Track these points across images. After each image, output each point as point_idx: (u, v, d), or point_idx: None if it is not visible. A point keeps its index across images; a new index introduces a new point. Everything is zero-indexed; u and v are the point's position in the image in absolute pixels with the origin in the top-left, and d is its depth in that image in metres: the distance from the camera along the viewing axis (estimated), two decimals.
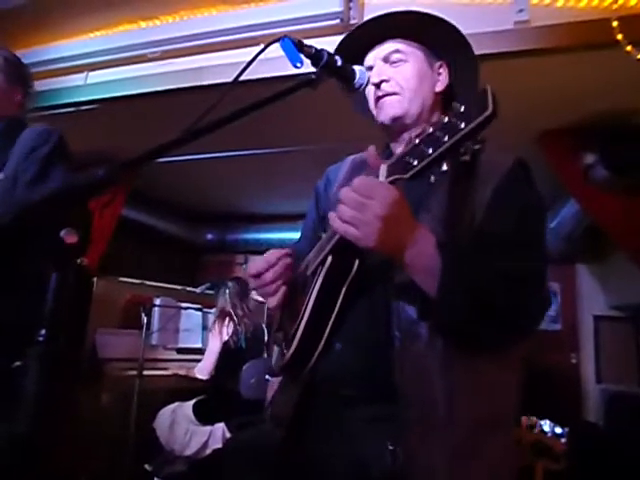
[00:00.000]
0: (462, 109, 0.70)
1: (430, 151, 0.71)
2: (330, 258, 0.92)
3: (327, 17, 2.12)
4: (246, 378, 3.02)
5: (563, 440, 1.67)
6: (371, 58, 1.12)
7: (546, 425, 1.68)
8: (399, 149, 1.07)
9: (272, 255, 1.03)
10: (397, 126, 1.09)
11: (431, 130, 0.72)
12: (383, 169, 0.79)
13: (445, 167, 0.71)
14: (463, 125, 0.68)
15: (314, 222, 1.25)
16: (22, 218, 1.26)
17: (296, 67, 0.90)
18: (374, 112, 1.11)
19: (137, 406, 3.04)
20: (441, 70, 1.12)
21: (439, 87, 1.12)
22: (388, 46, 1.09)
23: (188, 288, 4.15)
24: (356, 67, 1.02)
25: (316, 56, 0.94)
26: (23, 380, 0.69)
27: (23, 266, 1.33)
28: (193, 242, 5.12)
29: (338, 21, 2.17)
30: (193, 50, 2.48)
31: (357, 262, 0.91)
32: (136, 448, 3.05)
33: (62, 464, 2.94)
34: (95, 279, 3.31)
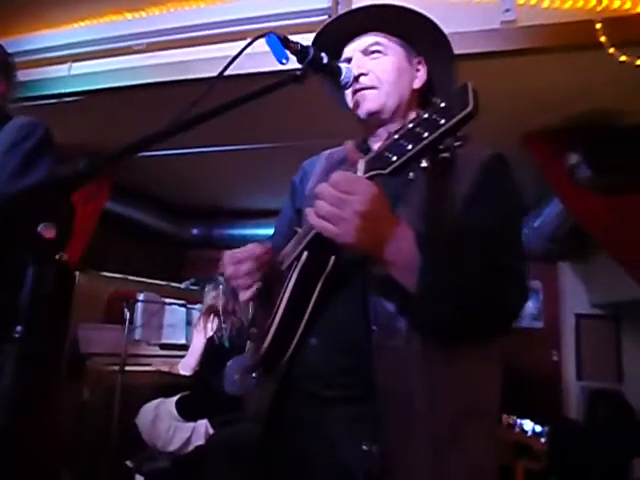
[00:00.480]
0: (442, 105, 0.69)
1: (410, 147, 0.70)
2: (306, 253, 0.91)
3: (315, 13, 2.11)
4: (230, 374, 2.99)
5: (543, 440, 1.69)
6: (350, 50, 1.10)
7: (526, 424, 1.71)
8: (376, 144, 1.07)
9: (254, 248, 1.01)
10: (374, 120, 1.09)
11: (411, 125, 0.71)
12: (361, 164, 0.78)
13: (425, 163, 0.71)
14: (443, 121, 0.68)
15: (289, 217, 1.23)
16: (1, 210, 1.24)
17: (281, 63, 0.90)
18: (351, 105, 1.10)
19: (119, 402, 3.01)
20: (420, 67, 1.12)
21: (417, 84, 1.11)
22: (368, 39, 1.08)
23: (172, 284, 4.12)
24: (342, 64, 1.01)
25: (302, 52, 0.93)
26: None
27: (1, 260, 1.30)
28: (178, 237, 5.08)
29: (326, 17, 2.16)
30: (179, 43, 2.45)
31: (333, 258, 0.90)
32: (118, 444, 3.02)
33: (43, 459, 2.91)
34: (77, 273, 3.27)
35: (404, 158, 0.71)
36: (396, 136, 0.73)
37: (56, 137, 1.60)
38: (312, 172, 1.20)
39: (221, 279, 3.32)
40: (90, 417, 3.18)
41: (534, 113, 2.60)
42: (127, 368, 3.06)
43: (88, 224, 3.20)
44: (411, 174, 0.73)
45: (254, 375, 1.08)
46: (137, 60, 2.55)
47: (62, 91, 2.75)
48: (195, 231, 5.07)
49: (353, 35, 1.10)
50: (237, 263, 0.99)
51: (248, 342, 1.07)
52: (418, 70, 1.11)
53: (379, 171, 0.75)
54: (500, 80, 2.26)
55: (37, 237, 0.54)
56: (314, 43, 1.11)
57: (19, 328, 0.56)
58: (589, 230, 2.74)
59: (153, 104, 2.50)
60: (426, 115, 0.70)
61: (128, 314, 3.08)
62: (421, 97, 1.13)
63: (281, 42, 0.90)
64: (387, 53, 1.08)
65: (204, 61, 2.34)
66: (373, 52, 1.08)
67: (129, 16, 2.64)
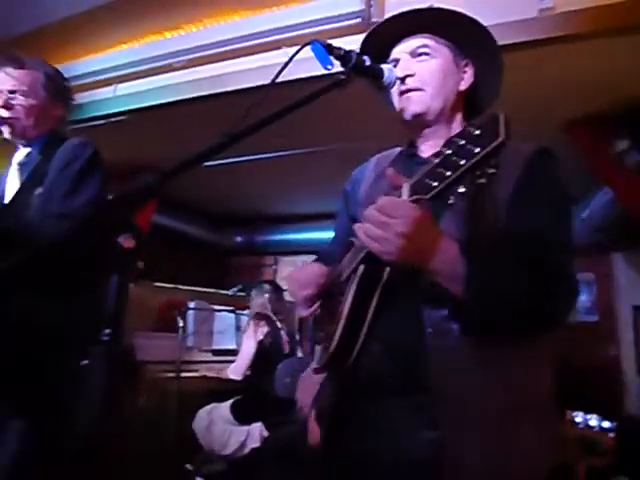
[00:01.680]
0: (477, 132, 0.74)
1: (448, 174, 0.76)
2: (362, 266, 0.97)
3: (348, 17, 2.13)
4: (281, 377, 3.06)
5: (611, 435, 1.63)
6: (397, 52, 1.12)
7: (592, 420, 1.65)
8: (422, 145, 1.13)
9: (317, 278, 1.08)
10: (419, 122, 1.10)
11: (449, 152, 0.76)
12: (406, 188, 0.84)
13: (462, 189, 0.76)
14: (477, 150, 0.73)
15: (345, 224, 1.27)
16: (66, 229, 1.32)
17: (327, 69, 0.92)
18: (397, 106, 1.12)
19: (176, 407, 3.11)
20: (466, 69, 1.12)
21: (463, 86, 1.12)
22: (416, 41, 1.10)
23: (220, 291, 4.22)
24: (384, 66, 1.03)
25: (345, 57, 0.96)
26: (90, 378, 0.73)
27: (80, 271, 1.39)
28: (222, 245, 5.20)
29: (359, 20, 2.18)
30: (217, 57, 2.53)
31: (387, 270, 0.96)
32: (176, 448, 3.12)
33: (110, 462, 3.03)
34: (131, 285, 3.41)
35: (442, 185, 0.77)
36: (436, 161, 0.78)
37: (106, 156, 1.68)
38: (362, 178, 1.24)
39: (266, 286, 3.39)
40: (147, 423, 3.29)
41: (576, 101, 2.53)
42: (182, 375, 3.16)
43: (142, 235, 3.32)
44: (451, 198, 0.78)
45: (320, 377, 1.15)
46: (178, 77, 2.65)
47: (108, 112, 2.89)
48: (238, 238, 5.18)
49: (401, 37, 1.11)
50: (300, 288, 1.08)
51: (317, 346, 1.13)
52: (465, 72, 1.12)
53: (421, 196, 0.81)
54: (540, 69, 2.21)
55: (118, 247, 0.58)
56: (363, 45, 1.14)
57: (107, 331, 0.60)
58: None
59: (195, 118, 2.59)
60: (462, 142, 0.75)
61: (181, 322, 3.18)
62: (467, 99, 1.14)
63: (325, 49, 0.93)
64: (434, 55, 1.09)
65: (242, 73, 2.40)
66: (420, 54, 1.09)
67: (168, 35, 2.74)
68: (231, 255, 5.43)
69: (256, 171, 3.96)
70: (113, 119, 2.91)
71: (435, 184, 0.78)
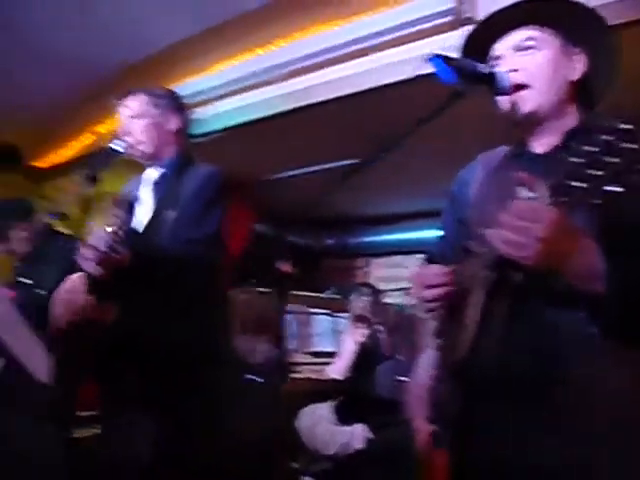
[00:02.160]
0: (627, 127, 0.68)
1: (597, 173, 0.71)
2: (491, 272, 0.95)
3: (440, 15, 2.10)
4: (382, 379, 3.08)
5: None
6: (500, 47, 1.07)
7: None
8: (535, 142, 1.08)
9: (445, 278, 1.06)
10: (530, 121, 1.06)
11: (596, 150, 0.71)
12: (543, 189, 0.79)
13: (615, 188, 0.70)
14: (635, 146, 0.68)
15: (452, 226, 1.26)
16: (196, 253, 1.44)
17: (448, 82, 0.92)
18: (504, 106, 1.08)
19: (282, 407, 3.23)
20: (577, 57, 1.06)
21: (574, 76, 1.05)
22: (519, 33, 1.05)
23: (315, 294, 4.32)
24: (497, 70, 1.01)
25: (461, 66, 0.95)
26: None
27: (208, 289, 1.51)
28: (313, 248, 5.31)
29: (451, 17, 2.14)
30: (309, 69, 2.60)
31: (519, 275, 0.93)
32: (282, 447, 3.24)
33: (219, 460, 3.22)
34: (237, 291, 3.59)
35: (590, 186, 0.72)
36: (579, 160, 0.72)
37: None
38: (471, 179, 1.21)
39: (365, 289, 3.44)
40: (253, 423, 3.45)
41: None
42: None
43: (241, 245, 3.51)
44: (596, 198, 0.73)
45: (409, 381, 1.16)
46: (273, 91, 2.75)
47: (208, 130, 3.07)
48: (330, 241, 5.25)
49: (503, 33, 1.07)
50: (426, 288, 1.07)
51: (439, 350, 1.13)
52: (575, 62, 1.06)
53: (561, 198, 0.77)
54: None
55: (276, 271, 0.63)
56: (465, 46, 1.12)
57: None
58: None
59: (292, 130, 2.67)
60: (605, 137, 0.69)
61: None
62: (580, 89, 1.08)
63: (444, 61, 0.92)
64: (541, 47, 1.04)
65: (335, 82, 2.45)
66: (526, 48, 1.04)
67: (260, 52, 2.86)
68: (323, 258, 5.53)
69: (344, 172, 4.01)
70: (211, 136, 3.09)
71: (583, 185, 0.72)
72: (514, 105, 1.05)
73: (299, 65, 2.60)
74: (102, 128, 3.97)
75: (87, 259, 1.31)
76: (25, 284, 2.22)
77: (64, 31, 2.79)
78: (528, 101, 1.03)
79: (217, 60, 3.04)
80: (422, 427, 1.89)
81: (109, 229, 1.27)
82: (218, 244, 1.57)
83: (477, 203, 1.14)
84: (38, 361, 0.89)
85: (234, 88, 2.90)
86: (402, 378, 2.86)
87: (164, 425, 1.42)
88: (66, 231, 2.46)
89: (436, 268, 1.08)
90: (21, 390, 2.03)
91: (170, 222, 1.51)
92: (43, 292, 2.23)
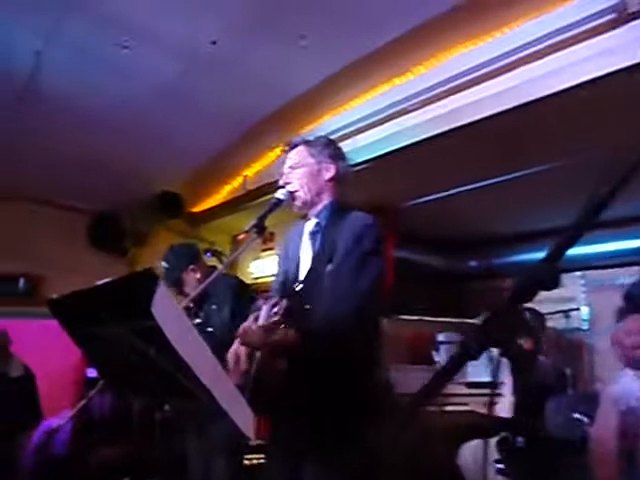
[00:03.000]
0: None
1: None
2: None
3: (604, 12, 1.90)
4: (552, 416, 2.79)
5: None
6: None
7: None
8: None
9: None
10: None
11: None
12: None
13: None
14: None
15: None
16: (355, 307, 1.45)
17: None
18: None
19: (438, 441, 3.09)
20: None
21: None
22: None
23: (465, 320, 4.12)
24: None
25: None
26: None
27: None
28: (455, 272, 5.10)
29: (614, 15, 1.93)
30: (450, 92, 2.53)
31: None
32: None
33: None
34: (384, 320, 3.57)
35: None
36: None
37: (352, 200, 1.74)
38: None
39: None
40: (410, 455, 3.34)
41: None
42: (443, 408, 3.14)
43: (389, 274, 3.48)
44: None
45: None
46: (412, 119, 2.73)
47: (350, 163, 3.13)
48: (473, 263, 5.01)
49: None
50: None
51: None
52: None
53: None
54: None
55: (519, 349, 0.58)
56: None
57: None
58: None
59: (433, 156, 2.62)
60: None
61: (437, 356, 3.19)
62: None
63: None
64: None
65: (479, 102, 2.35)
66: None
67: (397, 81, 2.87)
68: (465, 281, 5.28)
69: (486, 190, 3.81)
70: (355, 169, 3.13)
71: None
72: None
73: (440, 89, 2.55)
74: (249, 171, 4.30)
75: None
76: (196, 324, 2.39)
77: (214, 84, 3.08)
78: None
79: (355, 95, 3.12)
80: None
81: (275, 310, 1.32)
82: (379, 292, 1.55)
83: None
84: (227, 394, 0.95)
85: (373, 120, 2.94)
86: (579, 416, 2.56)
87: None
88: (223, 269, 2.62)
89: None
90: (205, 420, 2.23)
91: (328, 275, 1.52)
92: (211, 329, 2.41)
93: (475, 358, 0.60)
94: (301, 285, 1.47)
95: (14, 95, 3.10)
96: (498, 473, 2.86)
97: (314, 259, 1.61)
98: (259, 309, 1.51)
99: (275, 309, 1.31)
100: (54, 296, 1.28)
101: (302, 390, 1.45)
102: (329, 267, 1.53)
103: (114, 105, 3.25)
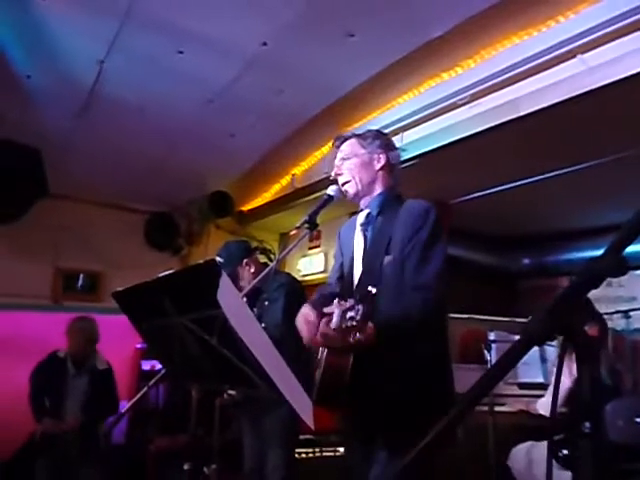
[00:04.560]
0: None
1: None
2: None
3: None
4: (612, 419, 2.67)
5: None
6: None
7: None
8: None
9: None
10: None
11: None
12: None
13: None
14: None
15: None
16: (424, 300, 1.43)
17: None
18: None
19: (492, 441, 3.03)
20: None
21: None
22: None
23: (516, 319, 4.01)
24: None
25: None
26: None
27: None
28: (508, 269, 4.97)
29: None
30: (501, 85, 2.48)
31: None
32: None
33: None
34: None
35: None
36: None
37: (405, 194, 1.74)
38: None
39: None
40: (463, 455, 3.29)
41: None
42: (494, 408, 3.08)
43: None
44: None
45: None
46: (462, 113, 2.69)
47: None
48: (526, 261, 4.86)
49: None
50: None
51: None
52: None
53: None
54: None
55: (584, 335, 0.57)
56: None
57: (587, 424, 0.60)
58: None
59: (484, 150, 2.57)
60: None
61: (488, 355, 3.13)
62: None
63: None
64: None
65: (533, 94, 2.29)
66: None
67: (446, 76, 2.83)
68: (518, 279, 5.13)
69: (538, 188, 3.69)
70: (402, 166, 3.12)
71: None
72: None
73: (488, 83, 2.50)
74: (297, 170, 4.35)
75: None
76: None
77: (264, 85, 3.14)
78: None
79: (403, 91, 3.09)
80: None
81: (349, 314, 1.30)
82: (445, 282, 1.50)
83: None
84: (288, 383, 0.97)
85: (422, 115, 2.91)
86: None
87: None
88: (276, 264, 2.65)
89: None
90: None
91: (387, 266, 1.49)
92: (263, 325, 2.45)
93: (539, 344, 0.60)
94: (375, 289, 1.41)
95: (80, 103, 3.27)
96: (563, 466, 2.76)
97: (368, 251, 1.61)
98: (320, 305, 1.52)
99: (351, 313, 1.30)
100: (119, 289, 1.35)
101: (374, 382, 1.45)
102: (387, 258, 1.52)
103: (171, 110, 3.37)
